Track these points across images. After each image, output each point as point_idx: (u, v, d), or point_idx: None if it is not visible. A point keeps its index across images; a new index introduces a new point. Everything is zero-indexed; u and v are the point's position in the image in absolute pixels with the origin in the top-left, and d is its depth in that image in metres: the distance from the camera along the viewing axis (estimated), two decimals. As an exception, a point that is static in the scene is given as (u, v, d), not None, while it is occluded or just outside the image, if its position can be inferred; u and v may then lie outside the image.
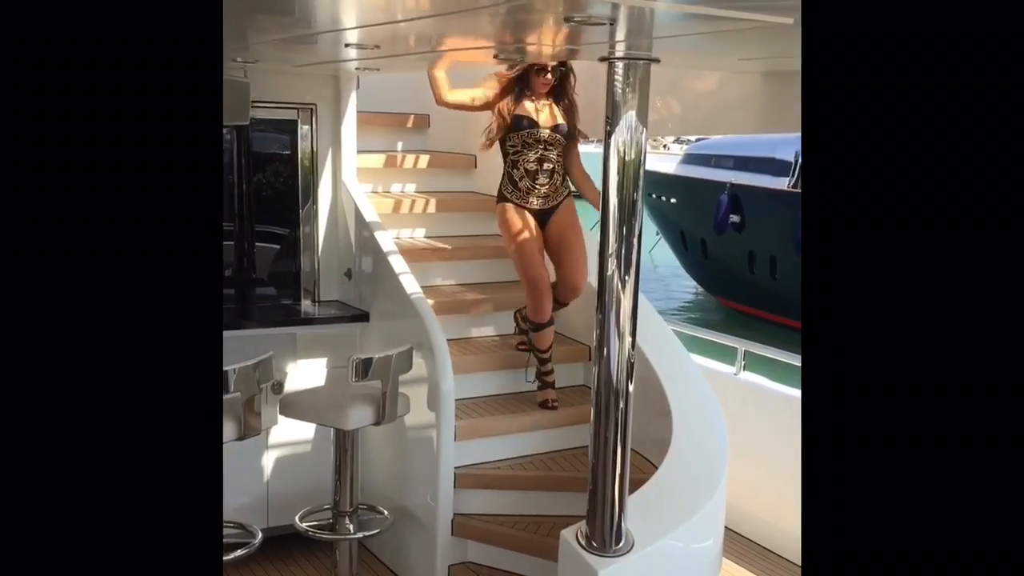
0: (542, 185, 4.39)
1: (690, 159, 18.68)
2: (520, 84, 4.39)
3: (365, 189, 4.99)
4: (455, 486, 4.14)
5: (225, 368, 3.62)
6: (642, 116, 2.89)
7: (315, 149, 4.88)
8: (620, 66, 2.88)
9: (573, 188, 4.51)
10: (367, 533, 4.19)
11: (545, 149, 4.38)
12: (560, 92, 4.42)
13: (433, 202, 5.21)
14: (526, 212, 4.41)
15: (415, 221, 5.23)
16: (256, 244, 5.03)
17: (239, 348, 4.06)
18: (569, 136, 4.43)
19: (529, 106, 4.39)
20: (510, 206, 4.43)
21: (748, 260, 16.71)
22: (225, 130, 4.80)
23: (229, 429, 3.74)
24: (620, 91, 2.88)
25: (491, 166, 5.42)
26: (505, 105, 4.39)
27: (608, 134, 2.91)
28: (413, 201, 5.22)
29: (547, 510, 4.18)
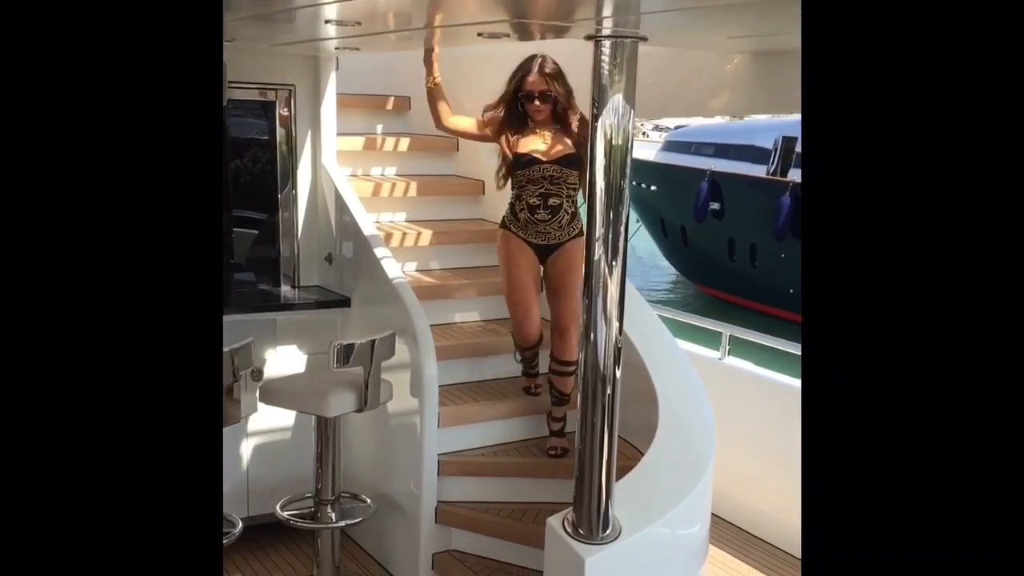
0: (542, 221, 4.03)
1: (670, 146, 18.71)
2: (517, 116, 4.05)
3: (344, 173, 4.90)
4: (439, 473, 4.08)
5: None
6: (629, 98, 2.83)
7: (294, 132, 4.78)
8: (607, 45, 2.81)
9: (579, 229, 4.09)
10: (350, 522, 4.12)
11: (551, 184, 4.00)
12: (558, 118, 4.03)
13: (414, 186, 5.13)
14: (524, 243, 4.08)
15: (396, 205, 5.15)
16: (234, 229, 4.94)
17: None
18: (576, 164, 4.00)
19: (532, 140, 4.02)
20: (509, 234, 4.12)
21: (728, 248, 16.76)
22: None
23: (207, 416, 3.66)
24: (607, 72, 2.81)
25: (472, 150, 5.36)
26: (507, 142, 4.06)
27: (595, 117, 2.84)
28: (393, 185, 5.14)
29: (532, 497, 4.13)
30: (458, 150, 5.44)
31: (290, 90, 4.73)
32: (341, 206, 4.68)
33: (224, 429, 3.76)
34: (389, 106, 5.63)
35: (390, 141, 5.33)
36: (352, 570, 4.31)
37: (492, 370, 4.49)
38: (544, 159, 3.99)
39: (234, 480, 4.54)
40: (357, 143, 5.19)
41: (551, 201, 4.01)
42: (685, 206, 17.02)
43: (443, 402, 4.14)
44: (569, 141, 4.00)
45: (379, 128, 5.57)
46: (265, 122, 4.81)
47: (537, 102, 3.98)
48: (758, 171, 16.11)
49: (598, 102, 2.82)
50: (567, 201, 4.04)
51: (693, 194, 16.68)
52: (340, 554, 4.19)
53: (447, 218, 5.09)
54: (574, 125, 4.01)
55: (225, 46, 4.17)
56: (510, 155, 4.05)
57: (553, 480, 4.06)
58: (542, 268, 4.13)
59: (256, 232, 4.99)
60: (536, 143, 4.02)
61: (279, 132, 4.79)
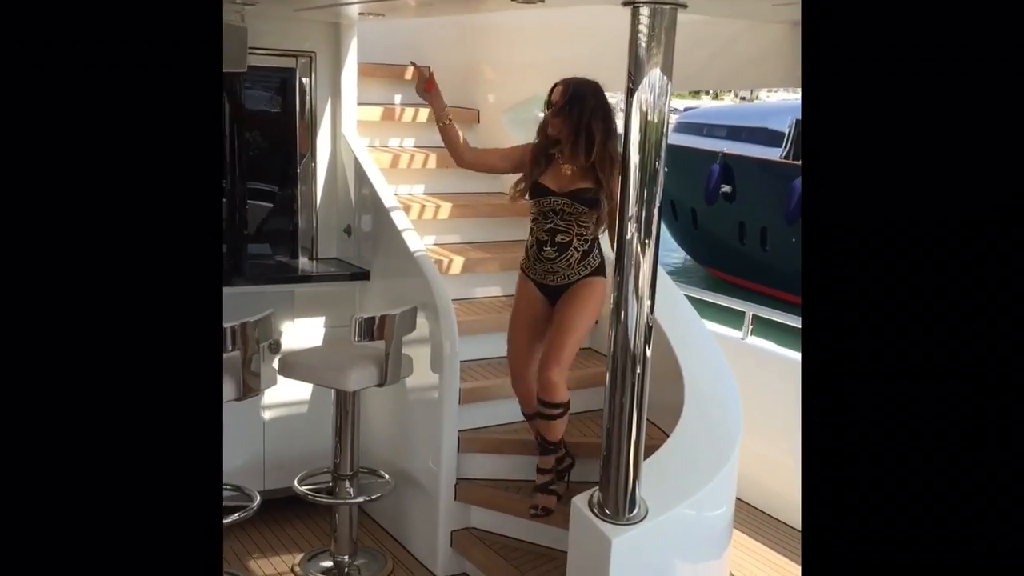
0: (548, 259, 3.68)
1: (682, 128, 18.55)
2: (547, 145, 3.73)
3: (363, 143, 4.81)
4: (458, 450, 4.02)
5: (224, 326, 3.47)
6: (667, 70, 2.73)
7: (313, 100, 4.69)
8: (645, 13, 2.70)
9: (592, 268, 3.74)
10: (368, 498, 4.06)
11: (561, 219, 3.65)
12: (589, 153, 3.62)
13: (433, 157, 5.03)
14: (533, 285, 3.78)
15: (414, 177, 5.06)
16: (249, 201, 4.86)
17: (235, 306, 3.90)
18: (590, 203, 3.63)
19: (554, 171, 3.70)
20: (522, 275, 3.83)
21: (738, 231, 16.65)
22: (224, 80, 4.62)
23: (227, 389, 3.60)
24: (644, 43, 2.70)
25: (494, 121, 5.28)
26: (530, 166, 3.76)
27: (630, 91, 2.74)
28: (412, 156, 5.05)
29: (553, 476, 4.07)
30: (479, 122, 5.35)
31: (310, 57, 4.63)
32: (361, 177, 4.59)
33: (242, 402, 3.71)
34: (408, 76, 5.52)
35: (409, 112, 5.23)
36: (369, 546, 4.25)
37: (515, 346, 4.40)
38: (556, 191, 3.66)
39: (251, 453, 4.48)
40: (375, 113, 5.09)
41: (559, 238, 3.66)
42: (696, 188, 16.89)
43: (464, 378, 4.07)
44: (592, 179, 3.62)
45: (397, 99, 5.46)
46: (284, 90, 4.72)
47: (549, 113, 3.70)
48: (771, 154, 15.98)
49: (634, 76, 2.73)
50: (577, 240, 3.66)
51: (704, 176, 16.56)
52: (357, 530, 4.13)
53: (467, 191, 4.99)
54: (605, 167, 3.59)
55: (246, 11, 4.08)
56: (529, 181, 3.75)
57: (577, 459, 4.00)
58: (548, 311, 3.78)
59: (273, 203, 4.92)
60: (555, 174, 3.69)
61: (298, 101, 4.69)
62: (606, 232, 3.70)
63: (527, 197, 3.75)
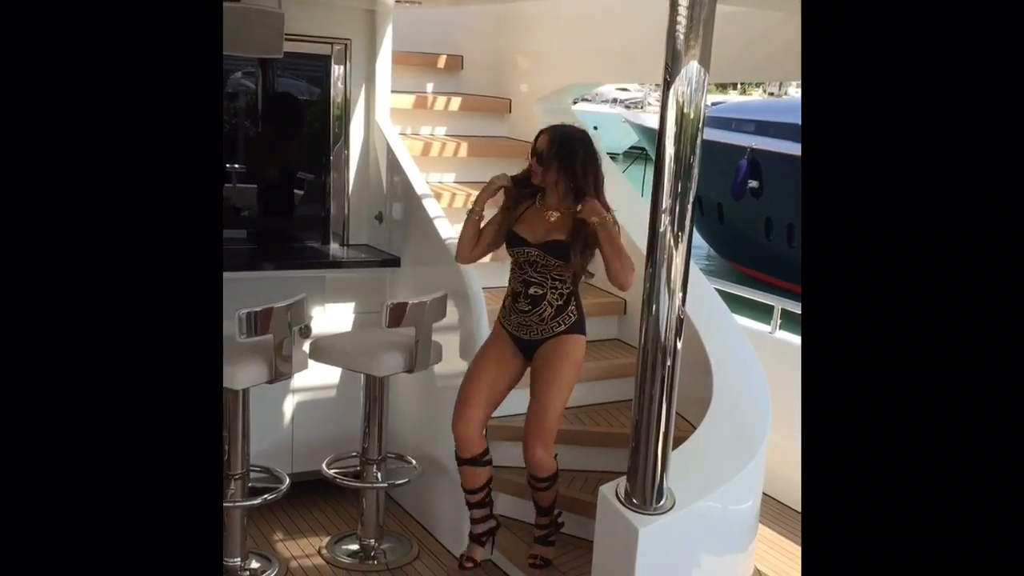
0: (522, 311, 3.53)
1: (710, 122, 18.32)
2: (527, 185, 3.60)
3: (394, 131, 4.83)
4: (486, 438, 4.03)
5: (257, 309, 3.51)
6: (705, 63, 2.71)
7: (347, 88, 4.71)
8: (684, 4, 2.68)
9: (567, 326, 3.56)
10: (395, 482, 4.09)
11: (535, 271, 3.49)
12: (568, 198, 3.51)
13: (465, 146, 5.05)
14: (507, 335, 3.61)
15: (445, 165, 5.07)
16: (280, 187, 4.89)
17: (267, 290, 3.94)
18: (564, 256, 3.46)
19: (534, 217, 3.54)
20: (497, 323, 3.68)
21: (765, 227, 16.55)
22: (253, 66, 4.65)
23: (259, 372, 3.64)
24: (682, 35, 2.68)
25: (525, 112, 5.28)
26: (503, 213, 3.62)
27: (667, 84, 2.73)
28: (443, 144, 5.06)
29: (581, 465, 4.09)
30: (510, 112, 5.35)
31: (345, 44, 4.65)
32: (393, 164, 4.61)
33: (269, 386, 3.75)
34: (440, 64, 5.55)
35: (441, 100, 5.25)
36: (395, 531, 4.28)
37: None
38: (531, 242, 3.50)
39: (280, 436, 4.52)
40: (407, 101, 5.11)
41: (532, 290, 3.51)
42: (723, 183, 16.79)
43: (492, 366, 4.07)
44: (569, 230, 3.47)
45: (429, 87, 5.48)
46: (319, 77, 4.75)
47: (534, 161, 3.54)
48: (799, 150, 15.86)
49: (671, 68, 2.71)
50: (552, 293, 3.50)
51: (731, 171, 16.46)
52: (384, 514, 4.16)
53: (499, 181, 5.00)
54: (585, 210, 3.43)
55: (284, -4, 4.11)
56: (505, 226, 3.59)
57: (603, 449, 4.01)
58: (521, 364, 3.64)
59: (304, 189, 4.95)
60: (532, 223, 3.53)
61: (333, 87, 4.72)
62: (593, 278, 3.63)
63: (507, 247, 3.57)
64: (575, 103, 5.72)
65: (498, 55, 5.47)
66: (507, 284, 3.62)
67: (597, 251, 3.49)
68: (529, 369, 3.64)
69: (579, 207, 3.43)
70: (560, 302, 3.52)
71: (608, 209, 3.46)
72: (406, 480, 4.13)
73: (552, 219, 3.51)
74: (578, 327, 3.57)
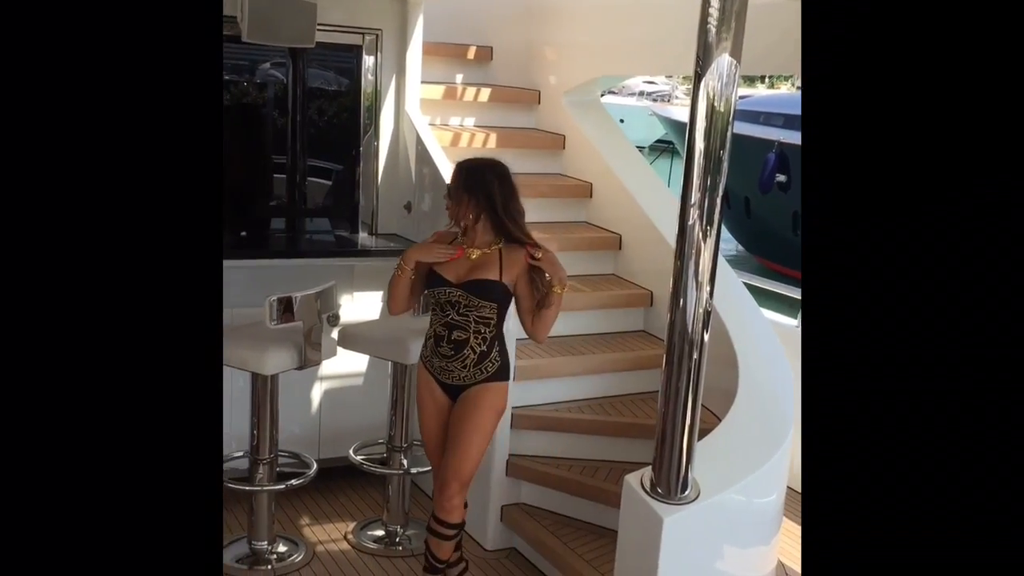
0: (445, 356, 3.28)
1: (738, 115, 18.30)
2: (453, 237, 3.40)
3: (424, 121, 4.86)
4: (511, 426, 4.07)
5: (288, 295, 3.56)
6: (736, 56, 2.70)
7: (378, 77, 4.74)
8: None
9: (490, 373, 3.32)
10: (421, 469, 4.13)
11: (458, 313, 3.25)
12: (486, 229, 3.30)
13: (494, 137, 5.07)
14: (433, 380, 3.37)
15: (474, 156, 5.09)
16: (310, 177, 4.94)
17: (296, 277, 3.99)
18: (488, 296, 3.24)
19: (459, 258, 3.28)
20: (421, 367, 3.43)
21: (792, 221, 16.45)
22: (283, 56, 4.69)
23: (290, 358, 3.69)
24: (714, 28, 2.67)
25: (555, 103, 5.29)
26: (433, 249, 3.35)
27: (697, 76, 2.73)
28: (472, 135, 5.08)
29: (604, 455, 4.11)
30: (540, 103, 5.37)
31: (377, 35, 4.68)
32: (422, 155, 4.64)
33: (298, 373, 3.79)
34: (470, 55, 5.57)
35: (470, 91, 5.28)
36: (420, 518, 4.31)
37: (570, 326, 4.44)
38: (453, 281, 3.25)
39: (307, 422, 4.57)
40: (437, 92, 5.14)
41: (455, 335, 3.26)
42: (750, 177, 16.70)
43: (519, 355, 4.10)
44: (496, 268, 3.24)
45: (459, 78, 5.50)
46: (349, 67, 4.78)
47: (445, 197, 3.38)
48: (828, 144, 15.74)
49: (702, 61, 2.70)
50: (475, 338, 3.25)
51: (759, 165, 16.37)
52: (410, 501, 4.21)
53: (527, 171, 5.01)
54: (525, 252, 3.24)
55: (316, -14, 4.15)
56: (425, 267, 3.32)
57: (627, 439, 4.03)
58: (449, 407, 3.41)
59: (332, 180, 4.99)
60: (455, 261, 3.28)
61: (363, 77, 4.75)
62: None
63: (425, 288, 3.36)
64: (602, 96, 5.72)
65: (527, 46, 5.48)
66: (429, 327, 3.38)
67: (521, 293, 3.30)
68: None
69: (536, 254, 3.22)
70: (483, 347, 3.28)
71: (538, 245, 3.25)
72: (430, 468, 4.16)
73: (473, 256, 3.27)
74: (501, 374, 3.34)
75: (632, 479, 3.05)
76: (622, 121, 5.29)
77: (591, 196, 5.06)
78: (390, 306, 3.43)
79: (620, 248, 4.85)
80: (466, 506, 3.39)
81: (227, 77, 4.69)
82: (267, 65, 4.80)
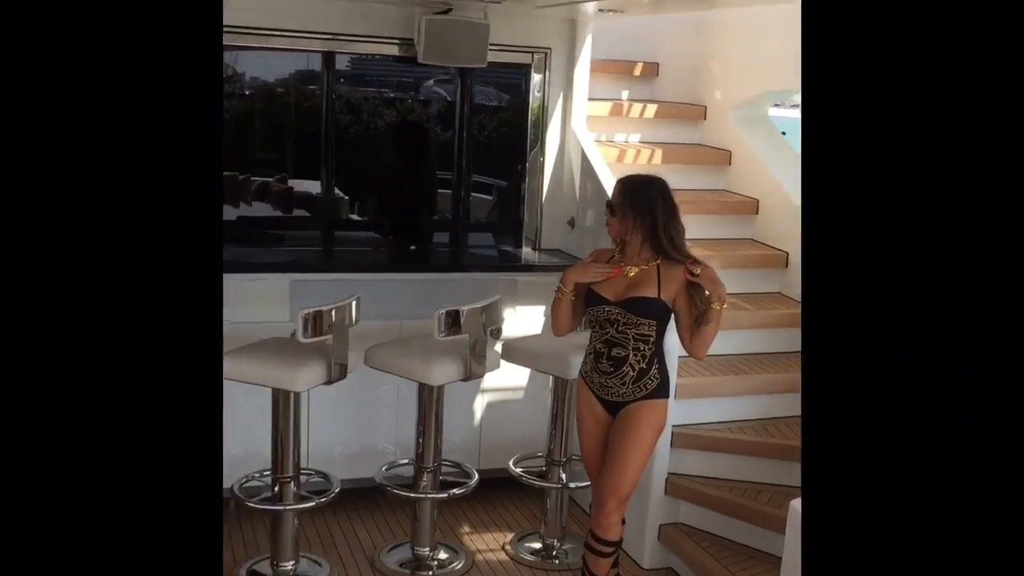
0: (605, 373, 3.28)
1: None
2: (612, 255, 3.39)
3: (590, 138, 4.89)
4: (672, 445, 4.04)
5: (456, 309, 3.66)
6: None
7: (546, 95, 4.81)
8: None
9: (649, 391, 3.28)
10: (579, 484, 4.15)
11: (616, 331, 3.24)
12: (646, 249, 3.26)
13: (659, 153, 5.06)
14: (593, 396, 3.37)
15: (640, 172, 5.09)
16: (472, 193, 5.05)
17: (462, 291, 4.09)
18: (647, 313, 3.21)
19: (617, 276, 3.27)
20: (581, 383, 3.44)
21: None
22: (447, 74, 4.79)
23: (456, 369, 3.78)
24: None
25: (722, 118, 5.22)
26: (589, 269, 3.37)
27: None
28: (638, 151, 5.08)
29: (765, 478, 4.02)
30: (706, 118, 5.32)
31: (545, 53, 4.76)
32: (587, 171, 4.67)
33: (463, 384, 3.88)
34: (637, 72, 5.58)
35: (636, 107, 5.28)
36: (576, 532, 4.33)
37: (734, 345, 4.37)
38: (611, 299, 3.25)
39: (468, 434, 4.67)
40: (603, 108, 5.17)
41: (615, 351, 3.24)
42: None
43: (681, 373, 4.08)
44: (659, 283, 3.21)
45: (625, 94, 5.51)
46: (518, 85, 4.87)
47: (608, 212, 3.36)
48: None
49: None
50: (634, 355, 3.23)
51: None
52: (567, 515, 4.24)
53: (692, 187, 4.98)
54: (685, 269, 3.20)
55: (490, 8, 4.25)
56: (583, 286, 3.34)
57: (793, 463, 3.92)
58: (609, 422, 3.38)
59: (496, 196, 5.09)
60: (613, 279, 3.27)
61: (531, 95, 4.83)
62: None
63: (585, 307, 3.34)
64: (767, 109, 5.62)
65: (693, 62, 5.44)
66: (589, 343, 3.38)
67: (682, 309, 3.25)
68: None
69: (695, 270, 3.18)
70: (643, 364, 3.25)
71: (697, 261, 3.22)
72: (589, 483, 4.17)
73: (631, 274, 3.25)
74: (660, 391, 3.32)
75: (799, 504, 2.98)
76: (784, 133, 5.19)
77: (757, 212, 4.97)
78: (554, 328, 3.47)
79: (786, 266, 4.74)
80: (624, 523, 3.38)
81: (392, 95, 4.86)
82: (431, 83, 4.95)
